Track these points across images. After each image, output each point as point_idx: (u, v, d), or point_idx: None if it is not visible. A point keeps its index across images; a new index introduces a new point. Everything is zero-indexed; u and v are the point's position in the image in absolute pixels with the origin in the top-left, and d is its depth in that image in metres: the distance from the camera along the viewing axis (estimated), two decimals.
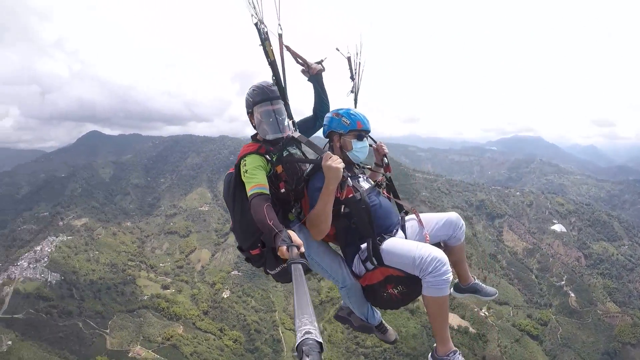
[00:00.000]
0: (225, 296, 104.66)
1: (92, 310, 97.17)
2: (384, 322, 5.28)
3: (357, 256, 4.38)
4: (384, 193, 4.84)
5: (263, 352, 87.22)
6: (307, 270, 3.35)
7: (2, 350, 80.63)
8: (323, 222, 4.02)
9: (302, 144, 4.65)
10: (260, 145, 4.32)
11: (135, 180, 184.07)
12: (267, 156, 4.23)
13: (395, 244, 4.13)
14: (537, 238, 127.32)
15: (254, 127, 4.56)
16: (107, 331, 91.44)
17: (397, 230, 4.51)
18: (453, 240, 4.63)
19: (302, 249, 3.22)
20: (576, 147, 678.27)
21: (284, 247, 3.18)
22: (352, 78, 5.21)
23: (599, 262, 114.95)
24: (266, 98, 4.35)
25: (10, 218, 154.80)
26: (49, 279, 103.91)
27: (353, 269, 4.48)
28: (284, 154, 4.41)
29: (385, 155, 5.12)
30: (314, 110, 4.99)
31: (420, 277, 3.82)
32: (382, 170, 5.15)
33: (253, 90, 4.45)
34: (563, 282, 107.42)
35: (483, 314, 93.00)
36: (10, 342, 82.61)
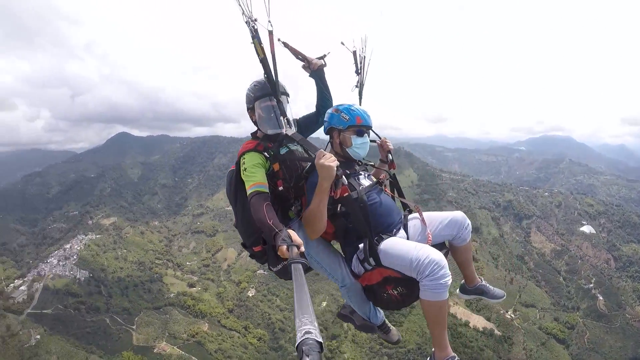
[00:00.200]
0: (250, 295, 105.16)
1: (119, 307, 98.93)
2: (387, 321, 5.28)
3: (355, 256, 4.30)
4: (386, 191, 4.71)
5: (287, 350, 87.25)
6: (307, 269, 3.57)
7: (31, 344, 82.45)
8: (317, 221, 3.98)
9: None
10: (258, 142, 4.32)
11: (163, 181, 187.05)
12: (266, 153, 4.23)
13: (393, 245, 4.04)
14: (566, 240, 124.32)
15: (254, 123, 4.54)
16: (134, 327, 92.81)
17: (398, 229, 4.39)
18: (458, 240, 4.51)
19: (302, 249, 3.22)
20: (606, 147, 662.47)
21: (284, 247, 3.18)
22: (357, 72, 5.13)
23: (628, 264, 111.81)
24: (267, 93, 4.36)
25: (41, 217, 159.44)
26: (77, 276, 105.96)
27: (352, 268, 4.40)
28: (284, 151, 4.41)
29: (389, 152, 5.03)
30: (317, 106, 4.97)
31: (417, 279, 3.74)
32: (386, 167, 5.03)
33: (254, 85, 4.46)
34: (591, 285, 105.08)
35: (509, 317, 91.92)
36: (38, 337, 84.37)
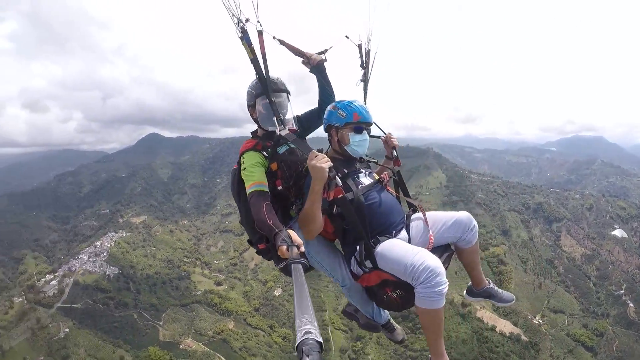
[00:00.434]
0: (276, 294, 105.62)
1: (147, 303, 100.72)
2: (391, 320, 5.22)
3: (353, 257, 4.19)
4: (388, 189, 4.55)
5: None
6: (307, 269, 3.57)
7: (60, 337, 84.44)
8: (311, 222, 3.91)
9: (305, 139, 4.66)
10: (257, 141, 4.30)
11: (192, 180, 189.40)
12: (264, 152, 4.21)
13: (390, 248, 3.90)
14: (597, 244, 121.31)
15: (254, 121, 4.50)
16: (161, 323, 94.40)
17: (400, 230, 4.25)
18: (463, 242, 4.34)
19: (302, 249, 3.21)
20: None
21: (284, 247, 3.17)
22: (362, 66, 5.01)
23: None
24: (271, 89, 4.20)
25: (72, 215, 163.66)
26: (107, 272, 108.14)
27: (352, 269, 4.28)
28: (284, 150, 4.36)
29: (394, 148, 4.92)
30: (319, 102, 4.85)
31: (412, 285, 3.60)
32: (391, 164, 4.92)
33: (256, 82, 4.32)
34: (622, 291, 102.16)
35: (537, 322, 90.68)
36: (67, 330, 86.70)
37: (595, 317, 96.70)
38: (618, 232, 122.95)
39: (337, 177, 3.82)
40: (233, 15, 3.60)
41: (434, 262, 3.47)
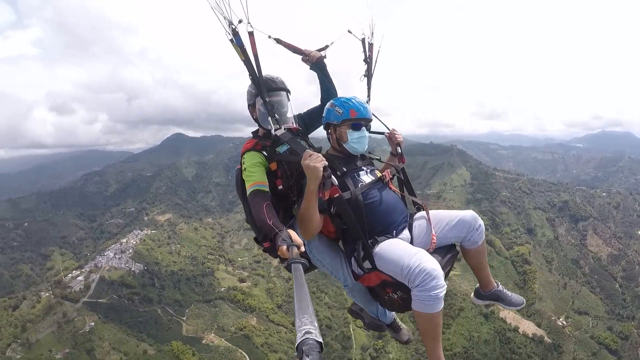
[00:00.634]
0: None
1: (171, 299, 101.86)
2: (397, 320, 5.15)
3: (353, 257, 4.07)
4: (391, 187, 4.39)
5: (332, 347, 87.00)
6: (307, 269, 3.55)
7: (85, 331, 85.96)
8: (308, 222, 3.81)
9: (308, 137, 4.60)
10: (257, 141, 4.30)
11: (216, 179, 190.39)
12: (264, 152, 4.20)
13: (388, 249, 3.81)
14: (624, 243, 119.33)
15: (255, 120, 4.52)
16: (184, 318, 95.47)
17: (402, 229, 4.16)
18: (468, 243, 4.21)
19: (302, 249, 3.21)
20: None
21: (284, 247, 3.16)
22: (365, 61, 4.93)
23: None
24: (269, 89, 4.28)
25: (99, 213, 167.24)
26: (132, 269, 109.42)
27: (353, 268, 4.18)
28: (284, 149, 4.30)
29: (399, 144, 4.78)
30: (321, 99, 4.86)
31: (409, 287, 3.52)
32: (396, 161, 4.79)
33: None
34: None
35: (560, 323, 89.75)
36: (93, 324, 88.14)
37: (620, 320, 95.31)
38: None
39: (332, 177, 3.77)
40: (225, 17, 3.59)
41: (431, 264, 3.40)
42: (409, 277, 3.40)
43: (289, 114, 4.46)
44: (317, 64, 4.67)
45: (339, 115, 4.17)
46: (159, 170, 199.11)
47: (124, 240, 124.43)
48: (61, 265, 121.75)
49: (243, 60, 3.84)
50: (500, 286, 4.66)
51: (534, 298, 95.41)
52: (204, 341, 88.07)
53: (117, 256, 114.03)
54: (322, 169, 3.55)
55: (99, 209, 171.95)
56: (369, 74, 4.93)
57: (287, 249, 3.12)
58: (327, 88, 4.79)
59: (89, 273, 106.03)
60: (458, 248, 4.31)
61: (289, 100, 4.46)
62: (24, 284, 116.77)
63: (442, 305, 3.43)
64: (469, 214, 4.15)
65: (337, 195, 3.83)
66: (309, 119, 4.82)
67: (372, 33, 4.87)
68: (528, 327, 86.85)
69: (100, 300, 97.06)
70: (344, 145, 4.24)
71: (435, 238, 4.00)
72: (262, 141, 4.25)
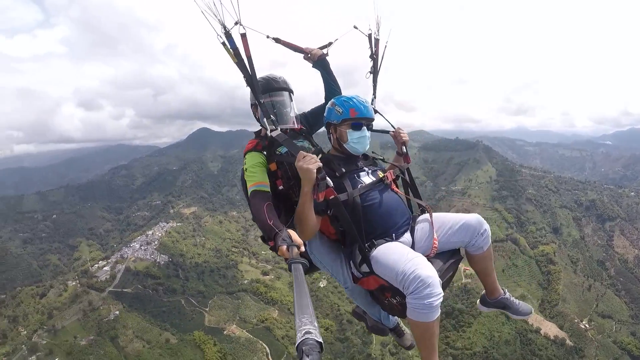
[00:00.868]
0: (321, 285, 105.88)
1: (195, 290, 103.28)
2: (400, 324, 5.11)
3: (351, 260, 3.98)
4: (394, 189, 4.26)
5: (352, 342, 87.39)
6: (308, 269, 3.63)
7: (110, 319, 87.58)
8: (303, 224, 3.72)
9: (312, 137, 4.61)
10: (258, 141, 4.26)
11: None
12: (265, 152, 4.17)
13: (385, 253, 3.69)
14: None
15: (257, 120, 4.47)
16: (207, 309, 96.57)
17: (403, 232, 4.02)
18: (472, 248, 4.05)
19: (302, 249, 3.19)
20: None
21: (284, 247, 3.14)
22: (371, 57, 4.82)
23: None
24: (271, 88, 4.35)
25: (126, 206, 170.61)
26: (157, 260, 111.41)
27: (352, 271, 4.07)
28: (285, 150, 4.16)
29: (404, 143, 4.70)
30: (325, 98, 4.80)
31: (404, 294, 3.41)
32: (401, 161, 4.73)
33: (258, 81, 4.19)
34: None
35: (583, 326, 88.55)
36: (117, 312, 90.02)
37: None
38: None
39: (327, 178, 3.64)
40: (218, 20, 3.52)
41: (427, 271, 3.28)
42: (403, 284, 3.34)
43: (292, 114, 4.47)
44: (319, 62, 4.78)
45: (339, 114, 4.11)
46: (185, 164, 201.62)
47: (150, 232, 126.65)
48: (88, 256, 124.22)
49: (236, 63, 3.79)
50: (508, 293, 4.54)
51: (557, 299, 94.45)
52: (225, 332, 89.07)
53: (142, 247, 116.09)
54: (315, 170, 3.49)
55: (125, 202, 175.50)
56: (375, 71, 4.84)
57: (287, 248, 3.12)
58: (331, 86, 4.80)
59: (115, 263, 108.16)
60: (463, 253, 4.21)
61: (291, 100, 4.51)
62: (51, 274, 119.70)
63: (438, 314, 3.34)
64: (474, 217, 4.04)
65: (333, 197, 3.72)
66: (313, 118, 4.81)
67: (378, 28, 4.80)
68: (550, 328, 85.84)
69: (126, 290, 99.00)
70: (344, 145, 4.19)
71: (437, 242, 3.93)
72: (263, 141, 4.22)
